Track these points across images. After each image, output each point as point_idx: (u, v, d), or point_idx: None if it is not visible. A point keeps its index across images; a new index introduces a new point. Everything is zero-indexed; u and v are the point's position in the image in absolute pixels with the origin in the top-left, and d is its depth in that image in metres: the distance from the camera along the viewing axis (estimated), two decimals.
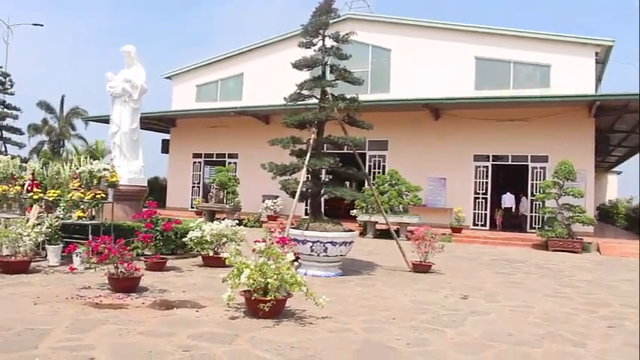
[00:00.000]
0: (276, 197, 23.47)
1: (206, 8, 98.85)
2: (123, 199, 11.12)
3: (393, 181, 19.45)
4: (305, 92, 10.24)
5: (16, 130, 19.82)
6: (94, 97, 76.85)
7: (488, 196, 22.18)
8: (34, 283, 7.81)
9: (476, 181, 22.37)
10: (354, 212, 19.75)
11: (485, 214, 22.21)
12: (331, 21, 10.09)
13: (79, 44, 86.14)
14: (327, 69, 10.43)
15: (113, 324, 5.64)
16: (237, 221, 11.76)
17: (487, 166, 22.26)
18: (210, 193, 22.34)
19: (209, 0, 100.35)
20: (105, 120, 28.82)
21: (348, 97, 10.26)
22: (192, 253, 10.97)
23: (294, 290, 6.17)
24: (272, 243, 7.45)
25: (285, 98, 10.54)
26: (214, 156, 27.48)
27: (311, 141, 9.94)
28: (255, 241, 7.54)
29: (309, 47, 10.22)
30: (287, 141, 10.20)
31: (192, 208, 26.53)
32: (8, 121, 19.17)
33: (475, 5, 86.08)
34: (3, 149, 19.10)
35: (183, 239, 10.17)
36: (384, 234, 17.61)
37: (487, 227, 21.90)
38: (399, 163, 21.77)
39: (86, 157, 10.70)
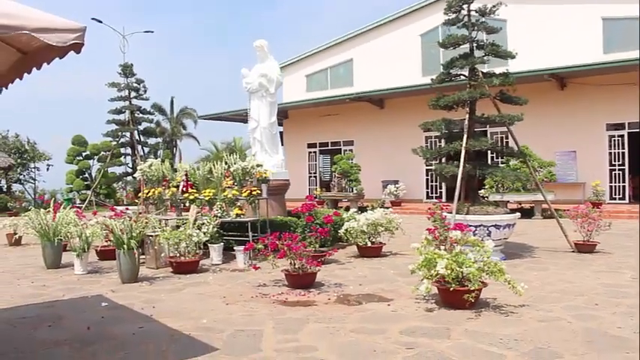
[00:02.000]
0: (397, 182, 23.22)
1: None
2: (269, 194, 11.23)
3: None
4: (453, 71, 9.80)
5: (147, 134, 20.79)
6: (196, 96, 79.40)
7: (626, 167, 20.68)
8: (210, 282, 7.99)
9: (610, 152, 20.91)
10: (482, 192, 19.06)
11: (624, 187, 20.74)
12: None
13: (166, 46, 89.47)
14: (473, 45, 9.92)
15: (316, 322, 5.58)
16: (359, 209, 11.67)
17: (622, 135, 20.73)
18: (333, 182, 22.38)
19: None
20: (216, 117, 29.89)
21: (498, 72, 9.74)
22: (342, 244, 10.94)
23: (499, 279, 5.85)
24: (446, 230, 7.19)
25: (431, 79, 10.16)
26: (329, 144, 27.57)
27: (465, 121, 9.52)
28: (427, 230, 7.31)
29: (454, 24, 9.78)
30: (439, 123, 9.83)
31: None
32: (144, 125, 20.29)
33: None
34: (142, 153, 20.02)
35: (339, 231, 10.11)
36: (522, 213, 16.83)
37: (626, 201, 20.46)
38: (525, 138, 20.58)
39: (236, 154, 10.87)
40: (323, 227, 8.96)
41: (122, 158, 21.42)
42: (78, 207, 13.88)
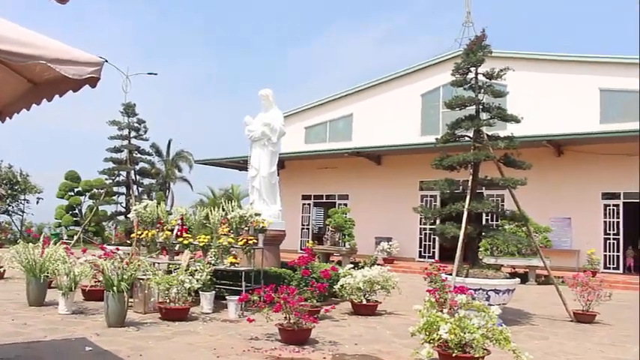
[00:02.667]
0: (390, 239, 23.02)
1: (298, 50, 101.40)
2: (265, 244, 11.01)
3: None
4: (458, 132, 9.79)
5: (142, 174, 20.64)
6: (192, 141, 79.70)
7: (621, 237, 20.63)
8: (199, 332, 7.69)
9: (605, 221, 20.89)
10: None
11: (618, 257, 20.62)
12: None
13: (174, 92, 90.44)
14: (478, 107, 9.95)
15: None
16: (352, 264, 11.48)
17: (618, 205, 20.76)
18: (326, 235, 22.15)
19: (300, 43, 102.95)
20: (213, 163, 29.84)
21: (502, 135, 9.75)
22: (335, 299, 10.66)
23: (505, 348, 5.62)
24: (446, 292, 7.01)
25: (436, 139, 10.16)
26: (324, 197, 27.44)
27: (469, 183, 9.45)
28: (427, 291, 7.12)
29: (460, 85, 9.84)
30: (442, 183, 9.75)
31: (301, 249, 26.42)
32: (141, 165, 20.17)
33: (587, 36, 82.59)
34: (136, 193, 19.80)
35: (334, 286, 9.87)
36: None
37: (620, 271, 20.31)
38: (520, 202, 20.71)
39: (233, 202, 10.69)
40: (320, 282, 8.72)
41: (116, 197, 21.15)
42: (67, 243, 13.59)
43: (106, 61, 4.60)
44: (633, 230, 21.26)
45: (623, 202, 20.63)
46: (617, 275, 19.31)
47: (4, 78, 5.05)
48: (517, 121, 9.64)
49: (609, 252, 20.70)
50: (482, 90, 9.73)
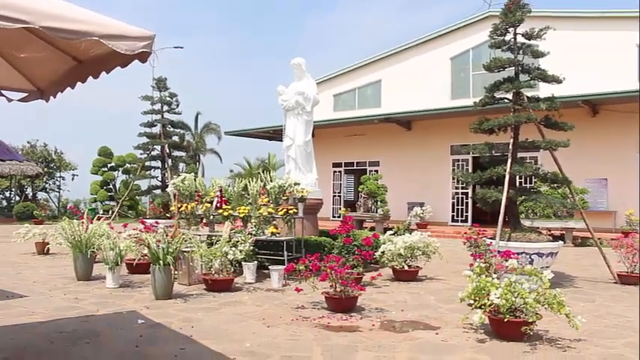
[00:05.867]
0: (423, 204, 22.93)
1: (318, 17, 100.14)
2: (304, 213, 11.05)
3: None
4: (498, 95, 9.61)
5: (174, 147, 20.85)
6: (217, 114, 79.70)
7: None
8: (246, 302, 7.79)
9: None
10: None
11: None
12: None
13: (192, 65, 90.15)
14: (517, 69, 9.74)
15: (365, 350, 5.36)
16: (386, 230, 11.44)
17: None
18: (359, 202, 22.16)
19: (321, 10, 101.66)
20: (243, 134, 29.90)
21: (542, 97, 9.54)
22: (375, 266, 10.70)
23: (561, 311, 5.57)
24: (491, 257, 6.96)
25: (474, 103, 9.98)
26: (355, 164, 27.39)
27: (510, 146, 9.30)
28: (472, 256, 7.08)
29: (499, 47, 9.62)
30: (483, 147, 9.62)
31: (334, 217, 26.54)
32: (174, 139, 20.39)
33: None
34: (171, 166, 20.02)
35: (375, 253, 9.88)
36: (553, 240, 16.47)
37: None
38: (554, 164, 20.42)
39: (269, 172, 10.73)
40: (364, 249, 8.74)
41: (152, 171, 21.40)
42: (105, 217, 13.81)
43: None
44: None
45: None
46: None
47: (48, 57, 5.04)
48: (559, 81, 9.42)
49: None
50: (522, 51, 9.49)
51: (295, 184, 10.26)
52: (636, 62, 21.21)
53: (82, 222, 10.09)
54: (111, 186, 33.14)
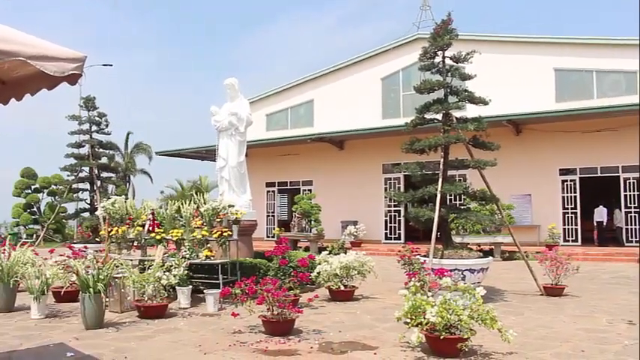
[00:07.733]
0: (356, 222, 23.19)
1: (253, 36, 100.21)
2: (238, 235, 10.94)
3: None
4: (428, 116, 9.90)
5: (103, 169, 20.18)
6: (150, 132, 78.12)
7: (578, 210, 21.34)
8: (181, 329, 7.60)
9: (564, 196, 21.60)
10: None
11: (576, 230, 21.38)
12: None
13: (122, 82, 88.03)
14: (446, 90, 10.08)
15: None
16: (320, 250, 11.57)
17: (574, 180, 21.44)
18: (293, 222, 22.17)
19: (256, 28, 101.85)
20: (175, 154, 29.41)
21: (470, 118, 9.91)
22: (310, 287, 10.69)
23: (493, 327, 5.74)
24: (425, 275, 7.12)
25: (406, 124, 10.24)
26: (288, 184, 27.47)
27: (441, 165, 9.58)
28: (407, 275, 7.21)
29: (428, 69, 9.94)
30: (414, 167, 9.87)
31: (267, 237, 26.40)
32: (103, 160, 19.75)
33: (540, 16, 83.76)
34: (101, 189, 19.38)
35: (311, 274, 9.88)
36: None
37: (579, 243, 21.05)
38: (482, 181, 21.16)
39: (202, 194, 10.58)
40: (299, 271, 8.73)
41: (80, 193, 20.64)
42: (29, 243, 13.19)
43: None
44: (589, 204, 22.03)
45: (580, 177, 21.32)
46: (576, 247, 19.98)
47: None
48: (485, 103, 9.82)
49: (568, 225, 21.41)
50: (450, 73, 9.84)
51: (229, 205, 10.17)
52: (553, 85, 22.41)
53: (4, 249, 9.57)
54: (35, 209, 31.70)
